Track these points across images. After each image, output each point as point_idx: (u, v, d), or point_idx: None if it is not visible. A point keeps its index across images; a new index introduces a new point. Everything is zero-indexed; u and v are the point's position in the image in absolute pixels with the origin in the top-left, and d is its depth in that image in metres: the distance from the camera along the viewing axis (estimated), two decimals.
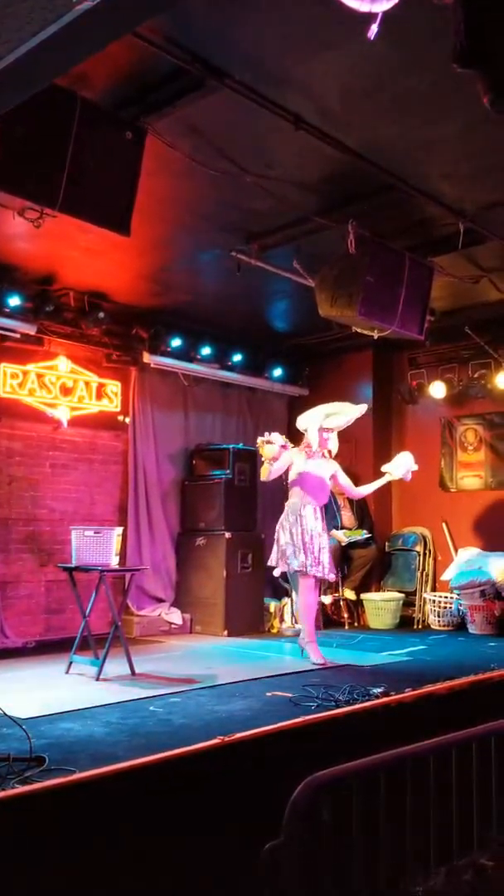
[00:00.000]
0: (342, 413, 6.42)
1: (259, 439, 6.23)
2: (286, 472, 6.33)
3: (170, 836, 2.88)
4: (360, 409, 6.50)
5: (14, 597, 7.13)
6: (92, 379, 7.74)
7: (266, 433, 6.25)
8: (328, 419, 6.35)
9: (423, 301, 6.22)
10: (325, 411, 6.42)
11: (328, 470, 6.36)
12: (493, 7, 2.61)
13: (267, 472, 6.19)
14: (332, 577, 6.35)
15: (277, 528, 6.27)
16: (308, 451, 6.28)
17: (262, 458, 6.21)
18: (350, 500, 8.62)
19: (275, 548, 6.24)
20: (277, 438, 6.18)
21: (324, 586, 8.11)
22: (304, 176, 5.16)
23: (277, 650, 6.73)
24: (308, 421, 6.39)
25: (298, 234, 5.92)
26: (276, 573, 6.32)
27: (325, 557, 6.13)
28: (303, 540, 6.07)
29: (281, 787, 2.29)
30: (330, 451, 6.42)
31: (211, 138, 4.67)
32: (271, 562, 6.30)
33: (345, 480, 6.49)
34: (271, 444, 6.12)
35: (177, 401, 8.52)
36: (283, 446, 6.17)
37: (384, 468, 6.68)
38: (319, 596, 6.66)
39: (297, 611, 6.43)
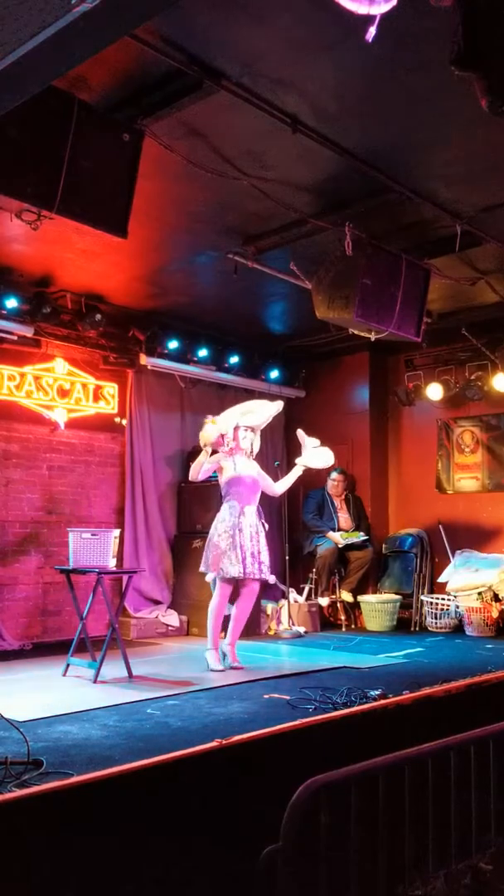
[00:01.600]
0: (257, 412, 6.26)
1: (209, 417, 6.03)
2: (219, 477, 6.17)
3: (168, 838, 2.87)
4: (276, 407, 6.32)
5: (11, 599, 7.12)
6: (89, 381, 7.74)
7: (209, 416, 6.08)
8: (244, 417, 6.20)
9: (420, 303, 6.23)
10: (241, 410, 6.27)
11: (254, 469, 6.17)
12: (492, 10, 2.62)
13: (199, 467, 6.00)
14: (271, 578, 6.11)
15: (212, 531, 5.97)
16: (229, 452, 6.07)
17: (202, 443, 5.99)
18: (347, 502, 8.63)
19: (210, 553, 5.91)
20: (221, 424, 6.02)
21: (322, 586, 8.14)
22: (300, 178, 5.16)
23: (274, 652, 6.72)
24: (224, 420, 6.18)
25: (295, 236, 5.92)
26: (209, 579, 6.02)
27: (265, 559, 5.94)
28: (241, 544, 5.82)
29: (278, 790, 2.29)
30: (252, 451, 6.26)
31: (208, 140, 4.67)
32: (202, 567, 5.99)
33: (265, 479, 6.28)
34: (215, 425, 5.94)
35: (173, 403, 8.53)
36: (223, 435, 5.98)
37: (297, 460, 6.50)
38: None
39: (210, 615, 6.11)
